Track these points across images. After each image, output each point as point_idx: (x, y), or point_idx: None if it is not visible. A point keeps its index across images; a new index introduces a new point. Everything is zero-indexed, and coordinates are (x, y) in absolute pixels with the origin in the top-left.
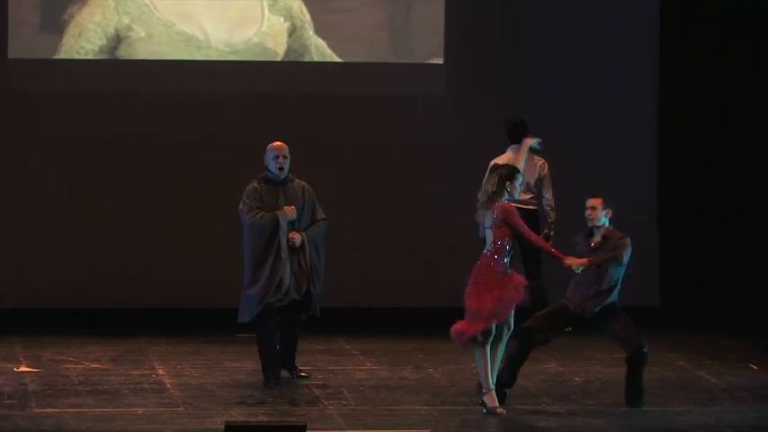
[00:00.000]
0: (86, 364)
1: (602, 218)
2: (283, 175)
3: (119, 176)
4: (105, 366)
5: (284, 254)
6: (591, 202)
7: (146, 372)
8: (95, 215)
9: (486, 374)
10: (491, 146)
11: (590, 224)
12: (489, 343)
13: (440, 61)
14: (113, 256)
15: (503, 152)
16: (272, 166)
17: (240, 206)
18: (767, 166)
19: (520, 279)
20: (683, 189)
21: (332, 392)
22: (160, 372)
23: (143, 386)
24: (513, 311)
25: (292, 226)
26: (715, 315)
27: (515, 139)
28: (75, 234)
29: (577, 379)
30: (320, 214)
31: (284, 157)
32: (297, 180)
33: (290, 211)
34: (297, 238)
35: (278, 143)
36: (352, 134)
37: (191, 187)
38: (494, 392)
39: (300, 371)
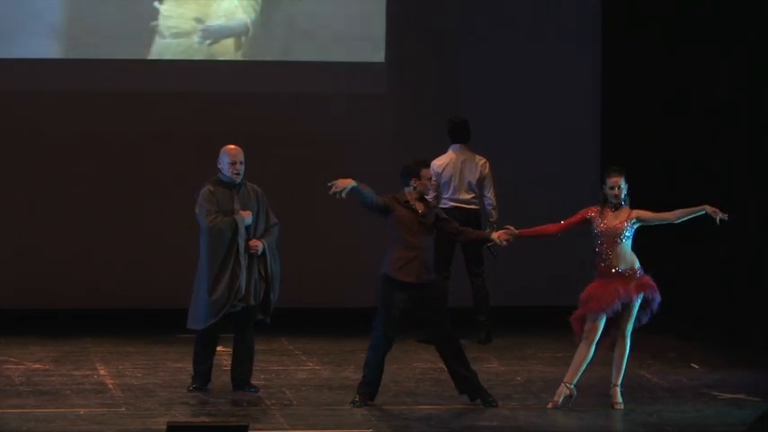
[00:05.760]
0: (28, 364)
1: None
2: (239, 179)
3: (64, 177)
4: (47, 367)
5: (243, 259)
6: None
7: (87, 372)
8: (34, 215)
9: None
10: (432, 145)
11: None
12: None
13: (381, 60)
14: (56, 257)
15: (444, 152)
16: (228, 170)
17: (197, 210)
18: (717, 161)
19: None
20: (628, 186)
21: (274, 392)
22: (102, 372)
23: (85, 387)
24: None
25: (248, 232)
26: (657, 314)
27: (457, 138)
28: (17, 234)
29: (519, 378)
30: (273, 219)
31: (240, 162)
32: (249, 184)
33: (246, 216)
34: (259, 245)
35: (233, 148)
36: (292, 133)
37: (140, 187)
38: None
39: (252, 385)
